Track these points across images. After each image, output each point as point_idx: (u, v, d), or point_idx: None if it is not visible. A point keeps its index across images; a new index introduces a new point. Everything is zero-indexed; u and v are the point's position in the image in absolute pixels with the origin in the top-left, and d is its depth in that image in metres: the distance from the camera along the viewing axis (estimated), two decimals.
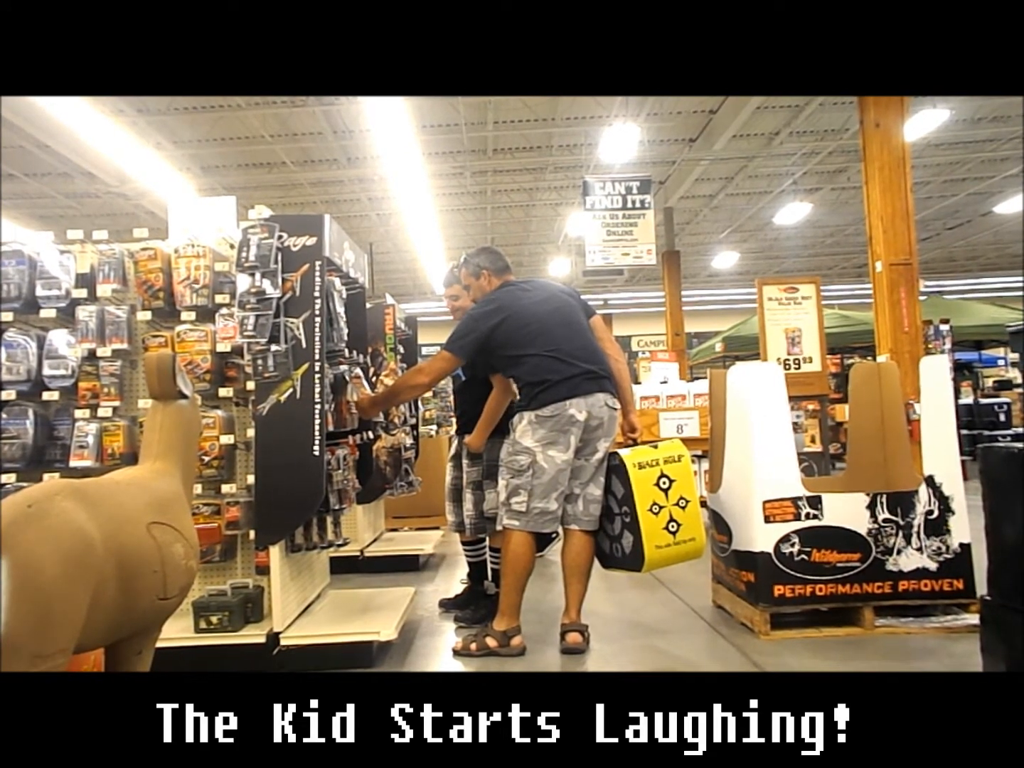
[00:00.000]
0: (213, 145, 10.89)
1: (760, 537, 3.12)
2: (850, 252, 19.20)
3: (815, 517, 3.12)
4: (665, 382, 6.34)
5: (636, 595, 3.97)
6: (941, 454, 3.18)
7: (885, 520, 3.12)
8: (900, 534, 3.11)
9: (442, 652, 3.23)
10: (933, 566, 3.10)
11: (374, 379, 4.07)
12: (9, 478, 3.05)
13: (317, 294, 2.90)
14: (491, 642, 3.04)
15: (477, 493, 3.57)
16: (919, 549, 3.10)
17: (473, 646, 3.06)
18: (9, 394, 3.10)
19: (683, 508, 3.02)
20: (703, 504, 3.28)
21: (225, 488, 3.09)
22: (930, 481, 3.15)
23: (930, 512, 3.12)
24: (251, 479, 2.96)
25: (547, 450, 3.02)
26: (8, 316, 3.13)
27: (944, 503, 3.13)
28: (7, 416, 3.09)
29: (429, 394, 6.95)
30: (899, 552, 3.10)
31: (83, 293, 3.13)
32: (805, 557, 3.09)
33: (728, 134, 10.66)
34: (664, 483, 3.02)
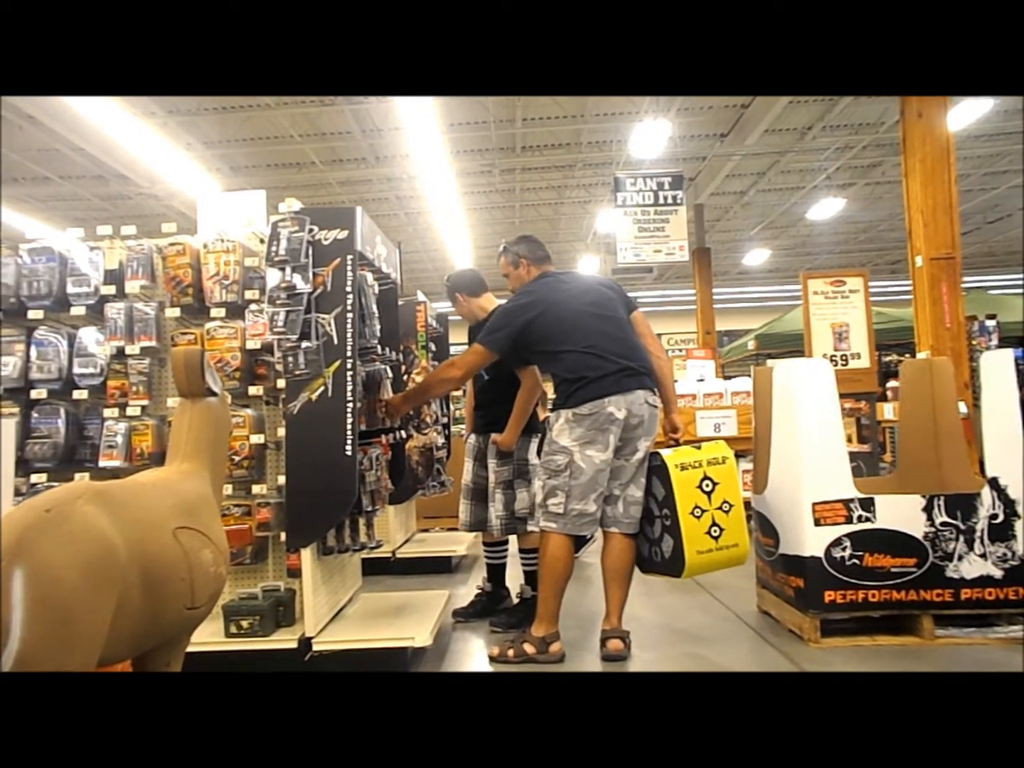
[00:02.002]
0: (242, 145, 10.91)
1: (810, 540, 2.98)
2: (884, 248, 18.80)
3: (868, 520, 2.97)
4: (702, 380, 6.19)
5: (676, 600, 3.84)
6: (1006, 455, 2.99)
7: (943, 524, 2.96)
8: (961, 539, 2.95)
9: (478, 658, 3.13)
10: (998, 573, 2.93)
11: (405, 377, 3.98)
12: (40, 478, 3.01)
13: (349, 289, 2.81)
14: (529, 648, 2.94)
15: (508, 493, 3.48)
16: (983, 555, 2.94)
17: (510, 652, 2.96)
18: (40, 393, 3.07)
19: (726, 512, 2.89)
20: (747, 506, 3.15)
21: (256, 489, 3.02)
22: (994, 483, 2.98)
23: (994, 516, 2.95)
24: (282, 479, 2.89)
25: (585, 449, 2.91)
26: (39, 314, 3.10)
27: (1010, 507, 2.95)
28: (39, 415, 3.06)
29: (459, 392, 6.84)
30: (960, 558, 2.94)
31: (112, 290, 3.09)
32: (857, 561, 2.96)
33: (760, 129, 10.45)
34: (707, 486, 2.89)
